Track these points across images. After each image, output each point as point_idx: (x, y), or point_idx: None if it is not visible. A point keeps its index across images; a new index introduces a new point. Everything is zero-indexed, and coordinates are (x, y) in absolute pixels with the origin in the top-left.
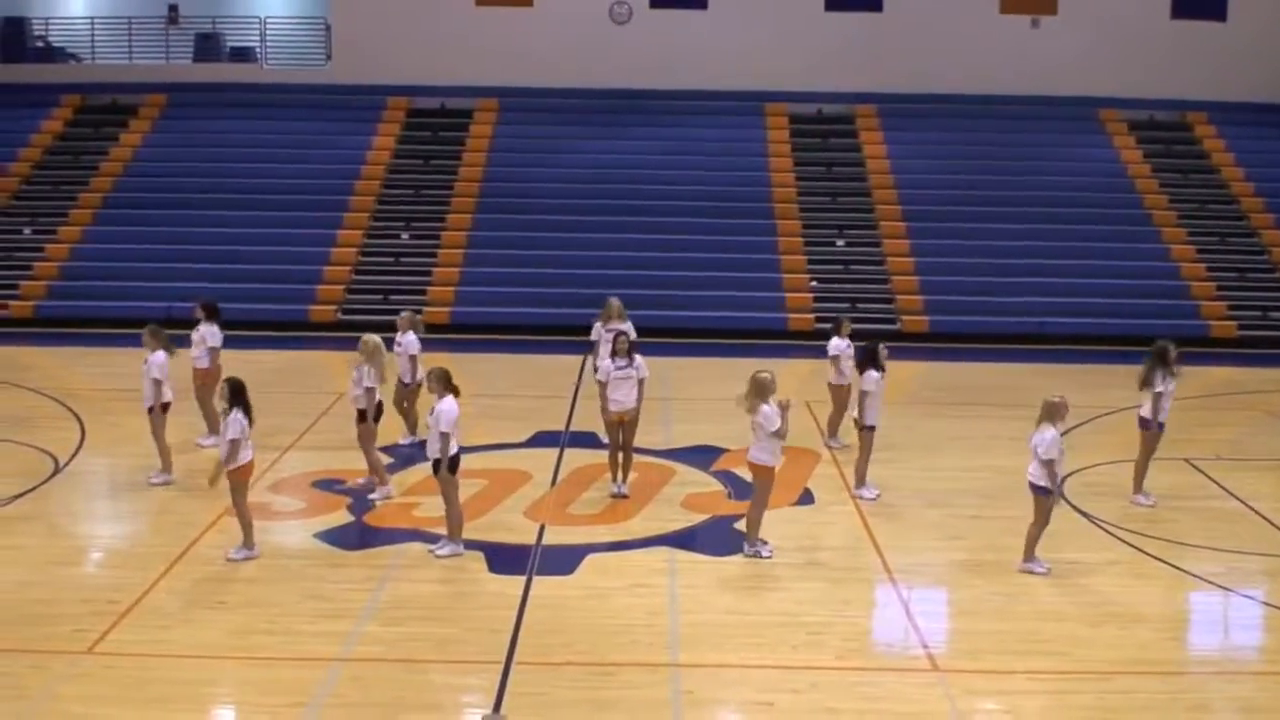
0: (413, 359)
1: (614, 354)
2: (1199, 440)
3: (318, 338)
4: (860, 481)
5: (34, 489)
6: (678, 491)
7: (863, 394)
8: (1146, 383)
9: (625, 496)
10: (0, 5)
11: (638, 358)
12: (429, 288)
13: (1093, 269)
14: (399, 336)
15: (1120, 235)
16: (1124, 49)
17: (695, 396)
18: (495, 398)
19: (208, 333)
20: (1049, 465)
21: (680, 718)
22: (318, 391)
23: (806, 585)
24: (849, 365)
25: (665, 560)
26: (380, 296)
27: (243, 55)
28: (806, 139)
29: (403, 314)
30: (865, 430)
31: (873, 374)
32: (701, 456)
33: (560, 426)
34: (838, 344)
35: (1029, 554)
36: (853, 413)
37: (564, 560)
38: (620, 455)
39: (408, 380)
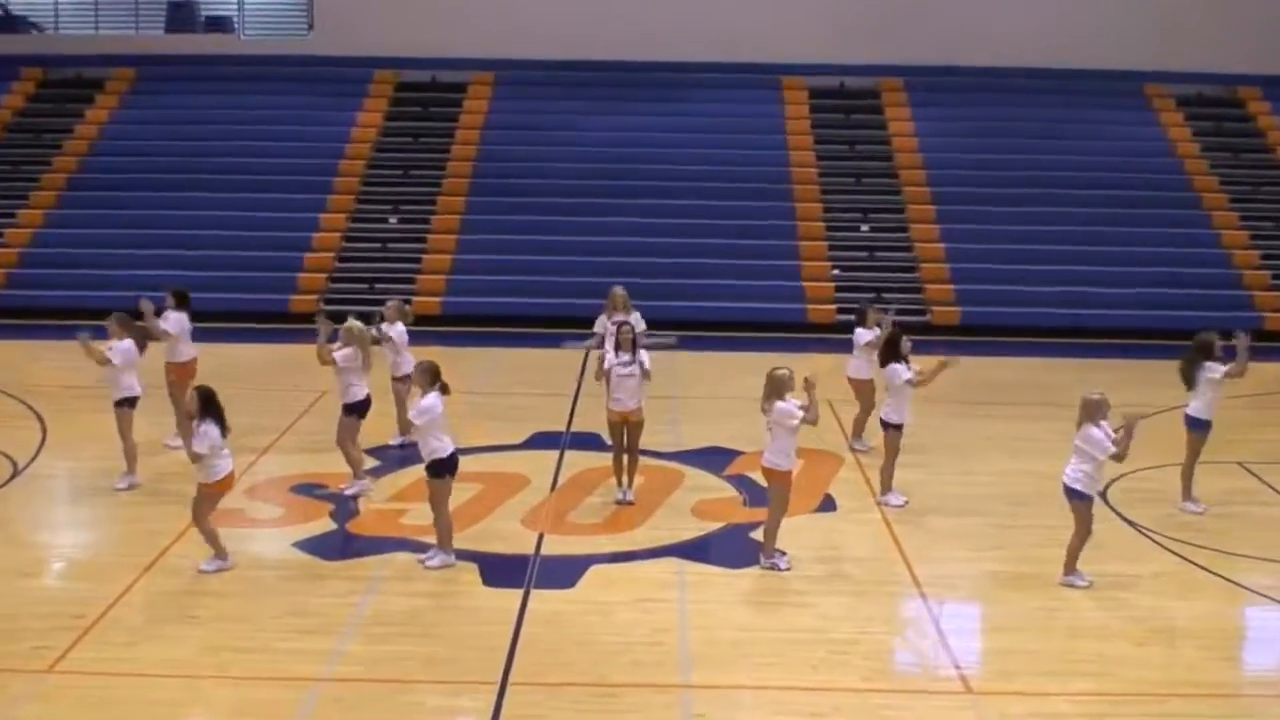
0: (401, 352)
1: (617, 347)
2: (1252, 441)
3: (299, 330)
4: (886, 487)
5: None
6: (688, 498)
7: (893, 390)
8: (1189, 379)
9: (631, 503)
10: None
11: (642, 352)
12: (418, 276)
13: (1137, 256)
14: (386, 327)
15: (1167, 220)
16: (1170, 18)
17: (707, 394)
18: (490, 395)
19: (176, 320)
20: (1096, 467)
21: None
22: (298, 388)
23: (828, 600)
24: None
25: (674, 572)
26: (366, 285)
27: (218, 25)
28: (827, 115)
29: (389, 303)
30: (890, 430)
31: (897, 368)
32: (713, 459)
33: (560, 427)
34: (863, 334)
35: (1070, 567)
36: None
37: (564, 572)
38: (625, 458)
39: (398, 374)
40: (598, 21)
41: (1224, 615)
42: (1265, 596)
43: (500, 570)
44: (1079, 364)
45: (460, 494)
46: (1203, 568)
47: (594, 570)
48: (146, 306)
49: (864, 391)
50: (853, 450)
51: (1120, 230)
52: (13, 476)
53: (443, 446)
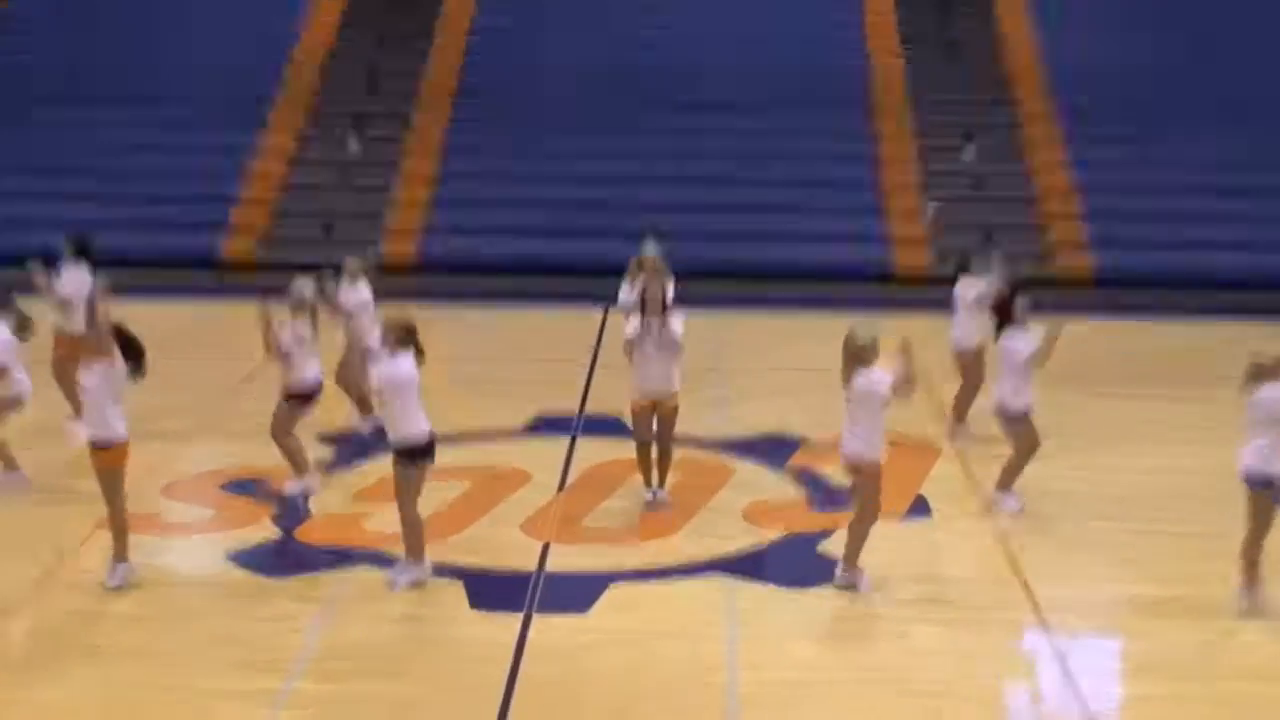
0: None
1: (643, 311)
2: None
3: (231, 285)
4: (1005, 484)
5: None
6: (737, 498)
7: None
8: None
9: (664, 505)
10: None
11: (674, 319)
12: (389, 214)
13: None
14: (346, 291)
15: None
16: None
17: (762, 365)
18: (480, 366)
19: (73, 279)
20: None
21: None
22: (231, 357)
23: (920, 631)
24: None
25: (720, 594)
26: (320, 227)
27: None
28: (919, 11)
29: (349, 259)
30: (1011, 420)
31: (1013, 342)
32: (771, 449)
33: (571, 408)
34: (969, 286)
35: (1251, 578)
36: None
37: (576, 593)
38: (654, 453)
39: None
40: None
41: None
42: None
43: (493, 590)
44: (1248, 327)
45: (442, 493)
46: None
47: (614, 591)
48: (38, 273)
49: (970, 363)
50: (952, 440)
51: None
52: None
53: (417, 427)
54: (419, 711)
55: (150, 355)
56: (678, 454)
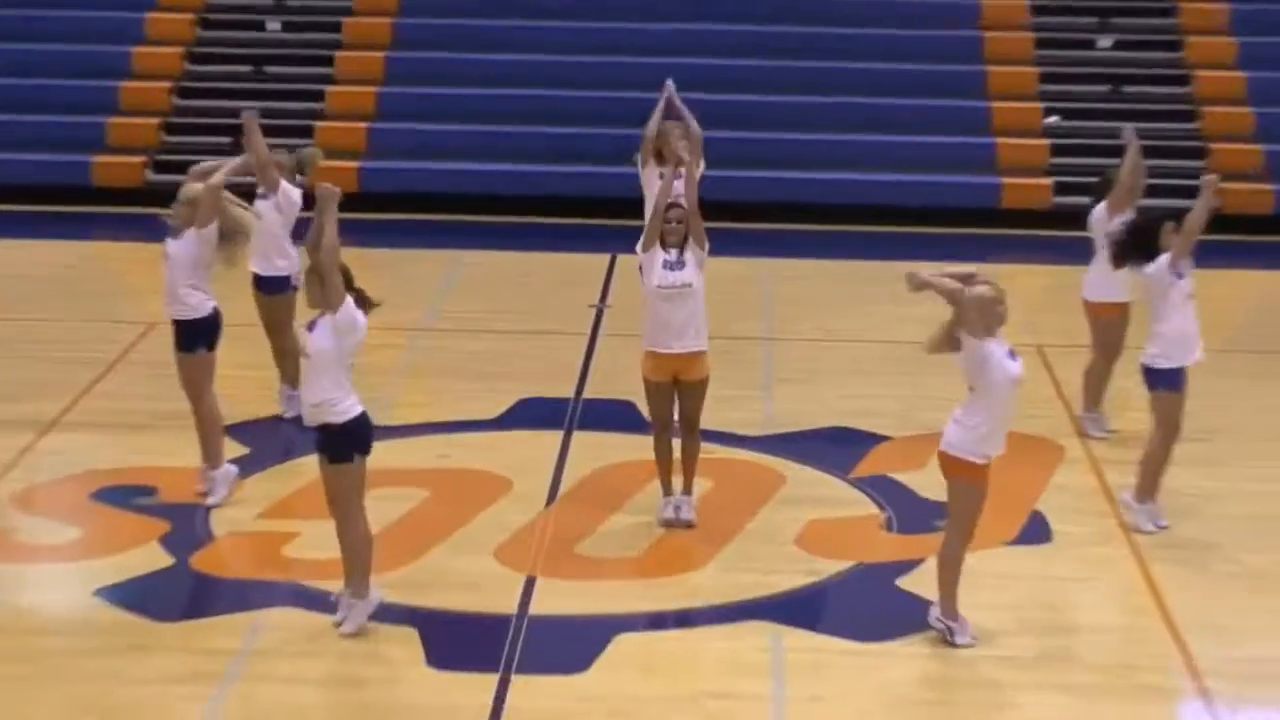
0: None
1: (661, 240)
2: None
3: (110, 215)
4: (1144, 493)
5: None
6: (789, 515)
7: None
8: None
9: (689, 524)
10: None
11: (692, 254)
12: (319, 124)
13: None
14: (277, 180)
15: None
16: None
17: (823, 335)
18: (443, 334)
19: None
20: None
21: None
22: (107, 318)
23: (1039, 700)
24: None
25: (764, 649)
26: (228, 140)
27: None
28: None
29: (294, 152)
30: (1162, 386)
31: (1159, 268)
32: (834, 449)
33: (565, 390)
34: (1100, 216)
35: None
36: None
37: (571, 645)
38: (678, 445)
39: (262, 271)
40: None
41: None
42: None
43: (458, 641)
44: None
45: (389, 507)
46: None
47: (621, 644)
48: None
49: (1108, 322)
50: (1084, 434)
51: None
52: None
53: (348, 401)
54: None
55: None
56: (709, 454)
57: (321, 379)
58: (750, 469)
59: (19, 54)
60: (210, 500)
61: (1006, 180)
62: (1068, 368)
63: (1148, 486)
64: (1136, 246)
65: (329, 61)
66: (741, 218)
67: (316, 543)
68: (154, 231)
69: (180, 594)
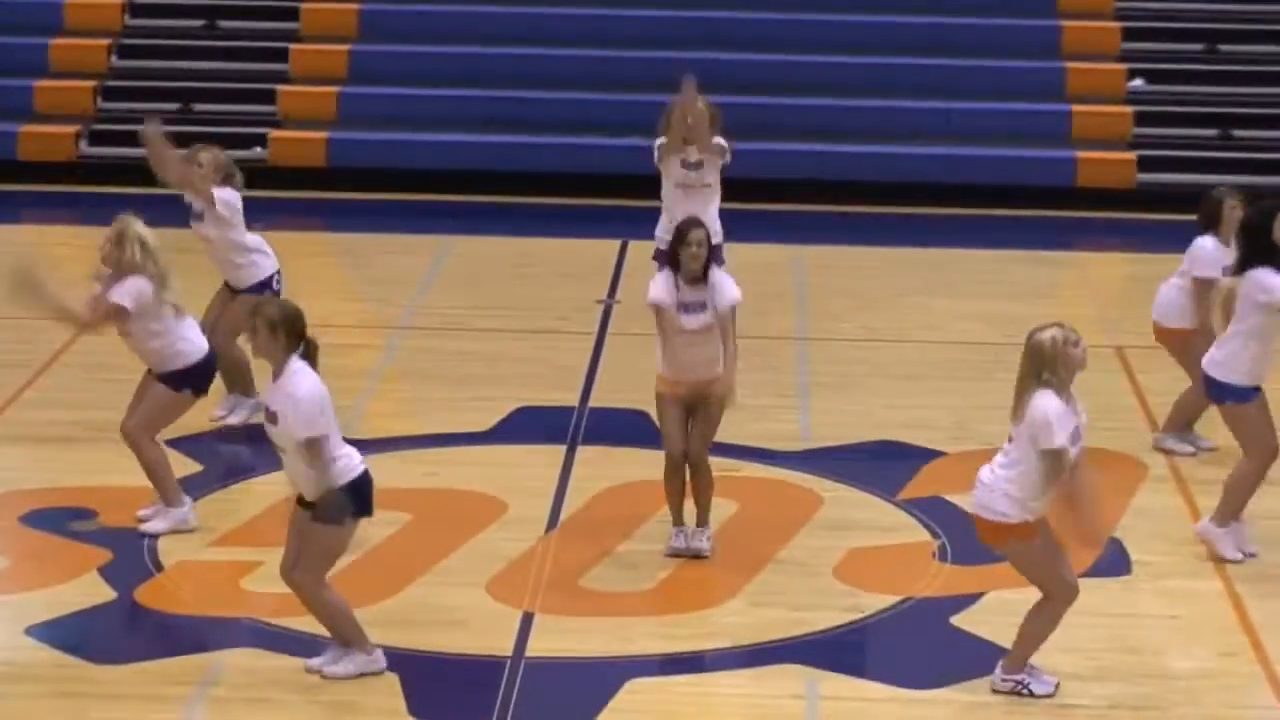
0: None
1: (673, 264)
2: None
3: (38, 193)
4: (1224, 517)
5: None
6: (827, 543)
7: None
8: None
9: (702, 555)
10: None
11: (720, 276)
12: (281, 88)
13: None
14: (211, 194)
15: None
16: None
17: (866, 334)
18: (428, 333)
19: None
20: None
21: None
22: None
23: None
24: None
25: (799, 694)
26: (175, 107)
27: None
28: None
29: (201, 150)
30: (1231, 400)
31: (1266, 275)
32: (879, 465)
33: (569, 398)
34: (1208, 248)
35: None
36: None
37: (575, 692)
38: (690, 471)
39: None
40: None
41: None
42: None
43: (445, 687)
44: None
45: (366, 533)
46: None
47: (634, 689)
48: None
49: (1187, 347)
50: (1164, 449)
51: None
52: None
53: (349, 461)
54: None
55: None
56: (734, 471)
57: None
58: (782, 489)
59: None
60: (145, 526)
61: (1082, 154)
62: (1152, 372)
63: (1230, 507)
64: (1256, 251)
65: (293, 14)
66: (772, 197)
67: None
68: (88, 212)
69: (124, 633)
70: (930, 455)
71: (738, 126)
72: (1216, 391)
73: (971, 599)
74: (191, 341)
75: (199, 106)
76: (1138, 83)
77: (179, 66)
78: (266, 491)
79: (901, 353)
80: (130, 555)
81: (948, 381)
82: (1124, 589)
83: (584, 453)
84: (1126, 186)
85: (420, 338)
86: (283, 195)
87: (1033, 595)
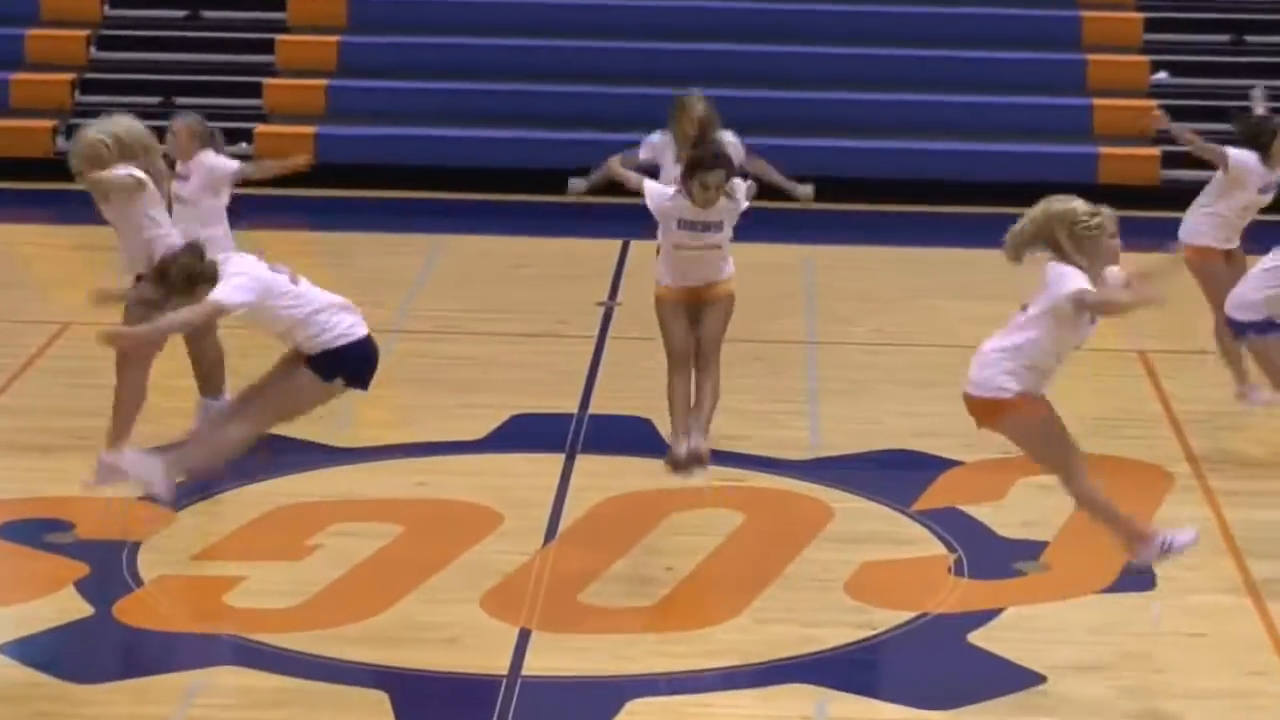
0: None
1: (689, 181)
2: None
3: (12, 191)
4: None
5: None
6: (837, 557)
7: None
8: None
9: (698, 457)
10: None
11: (738, 185)
12: (268, 81)
13: None
14: (184, 163)
15: None
16: None
17: (879, 337)
18: (420, 336)
19: None
20: None
21: None
22: (9, 318)
23: None
24: None
25: (808, 716)
26: (157, 100)
27: None
28: None
29: (177, 119)
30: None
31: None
32: (893, 475)
33: (569, 404)
34: (1246, 160)
35: None
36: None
37: (573, 712)
38: (697, 370)
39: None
40: None
41: None
42: None
43: (437, 707)
44: None
45: (355, 545)
46: None
47: (636, 710)
48: None
49: (1218, 277)
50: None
51: None
52: None
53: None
54: None
55: None
56: (739, 481)
57: None
58: (791, 500)
59: None
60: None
61: (1104, 150)
62: (1177, 377)
63: None
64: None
65: (280, 4)
66: (780, 195)
67: (265, 589)
68: (64, 210)
69: (101, 650)
70: (946, 465)
71: (742, 121)
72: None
73: (990, 615)
74: None
75: (181, 100)
76: (1161, 75)
77: (161, 59)
78: (250, 503)
79: (915, 357)
80: (108, 569)
81: (954, 384)
82: (1147, 605)
83: (583, 462)
84: (1150, 183)
85: (412, 341)
86: (268, 192)
87: (1052, 611)
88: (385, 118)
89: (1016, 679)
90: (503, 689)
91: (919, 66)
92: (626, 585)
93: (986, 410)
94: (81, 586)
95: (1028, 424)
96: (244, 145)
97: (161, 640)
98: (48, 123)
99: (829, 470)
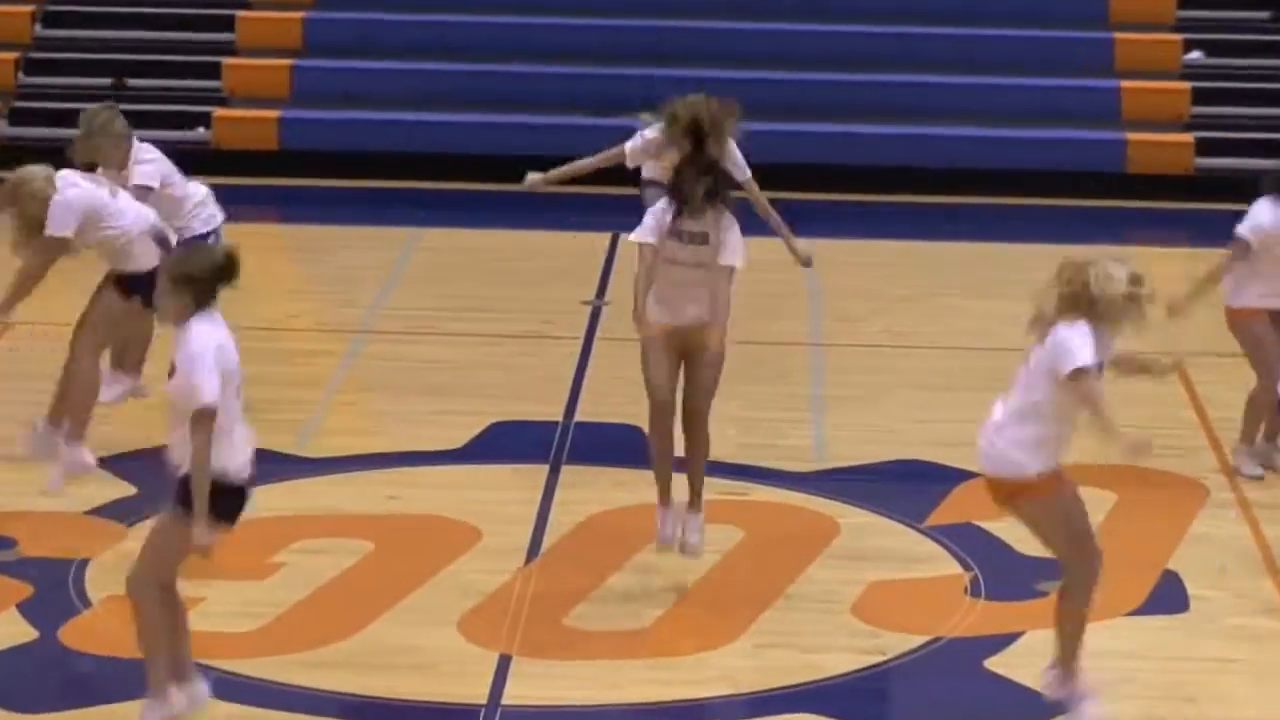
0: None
1: (677, 196)
2: None
3: None
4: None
5: None
6: (844, 576)
7: None
8: None
9: (693, 551)
10: None
11: (729, 221)
12: (228, 60)
13: None
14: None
15: None
16: None
17: (889, 339)
18: (392, 337)
19: None
20: None
21: None
22: None
23: None
24: None
25: None
26: (108, 82)
27: None
28: None
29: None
30: None
31: None
32: (904, 488)
33: (552, 410)
34: (1261, 222)
35: None
36: None
37: None
38: (684, 427)
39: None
40: None
41: None
42: None
43: None
44: None
45: (321, 564)
46: None
47: None
48: None
49: (1261, 341)
50: (1242, 473)
51: None
52: None
53: (232, 460)
54: None
55: None
56: (740, 494)
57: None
58: (794, 514)
59: None
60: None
61: (1133, 136)
62: (1213, 383)
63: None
64: None
65: None
66: (782, 184)
67: (224, 610)
68: None
69: (47, 677)
70: (962, 476)
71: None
72: None
73: (1008, 639)
74: None
75: (134, 82)
76: (1195, 55)
77: (111, 37)
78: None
79: (930, 360)
80: (54, 589)
81: (982, 393)
82: (1180, 629)
83: (569, 473)
84: (1183, 172)
85: (384, 343)
86: (228, 181)
87: None
88: (355, 101)
89: (1037, 709)
90: (481, 719)
91: (928, 44)
92: (615, 607)
93: (1005, 492)
94: (24, 608)
95: (1051, 507)
96: (201, 131)
97: (111, 666)
98: None
99: (835, 482)
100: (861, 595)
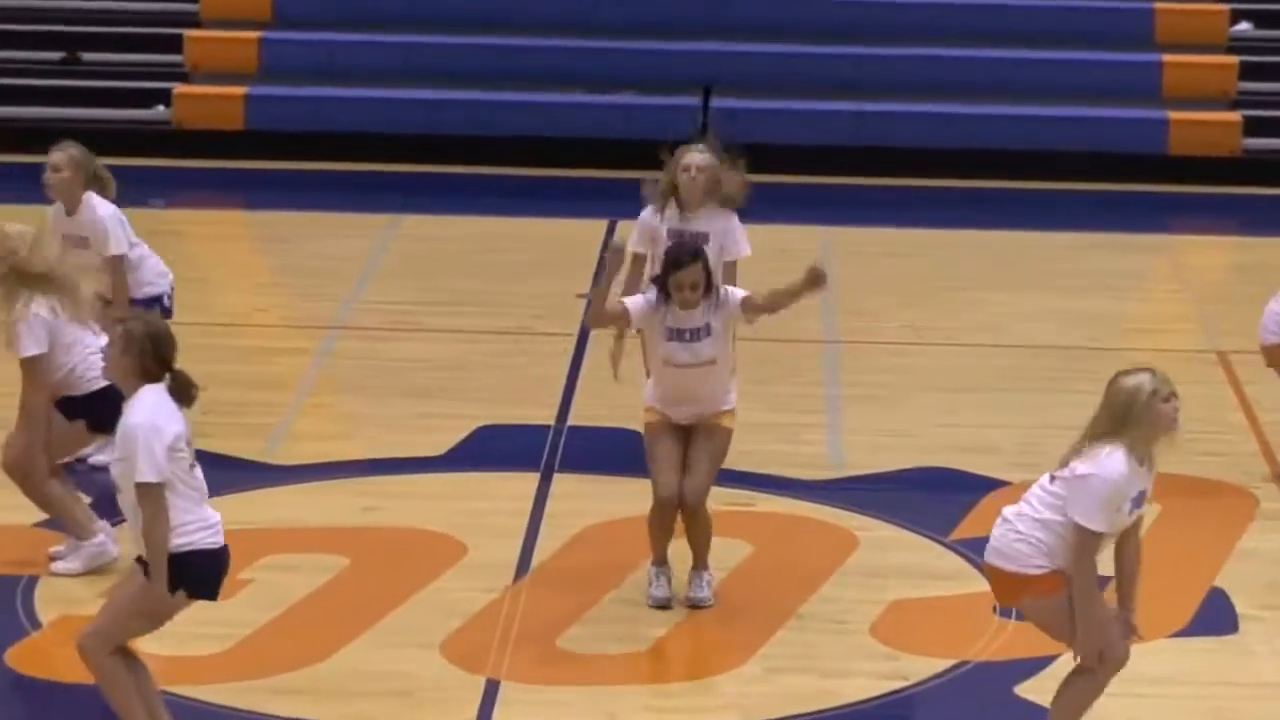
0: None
1: (662, 288)
2: None
3: None
4: None
5: None
6: (862, 594)
7: None
8: None
9: (702, 605)
10: None
11: (730, 293)
12: (190, 32)
13: None
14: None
15: None
16: None
17: (911, 335)
18: (369, 334)
19: None
20: None
21: None
22: None
23: None
24: None
25: None
26: (60, 56)
27: None
28: None
29: (55, 151)
30: None
31: None
32: (927, 497)
33: (544, 414)
34: None
35: None
36: None
37: None
38: (683, 517)
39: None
40: None
41: None
42: None
43: None
44: None
45: (292, 581)
46: None
47: None
48: None
49: None
50: None
51: None
52: None
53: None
54: None
55: None
56: (748, 505)
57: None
58: (808, 527)
59: None
60: (57, 565)
61: (1175, 114)
62: (1262, 382)
63: None
64: None
65: None
66: (795, 167)
67: (186, 631)
68: None
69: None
70: (989, 485)
71: (753, 83)
72: None
73: (1041, 663)
74: None
75: (89, 56)
76: (1243, 26)
77: (64, 6)
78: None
79: (953, 358)
80: (1, 609)
81: (1011, 394)
82: (1228, 651)
83: (561, 482)
84: (1229, 153)
85: (359, 340)
86: (190, 164)
87: None
88: (329, 76)
89: None
90: None
91: (948, 14)
92: (612, 628)
93: (1011, 587)
94: None
95: (1054, 604)
96: (161, 109)
97: (62, 692)
98: None
99: (851, 491)
100: (881, 615)
